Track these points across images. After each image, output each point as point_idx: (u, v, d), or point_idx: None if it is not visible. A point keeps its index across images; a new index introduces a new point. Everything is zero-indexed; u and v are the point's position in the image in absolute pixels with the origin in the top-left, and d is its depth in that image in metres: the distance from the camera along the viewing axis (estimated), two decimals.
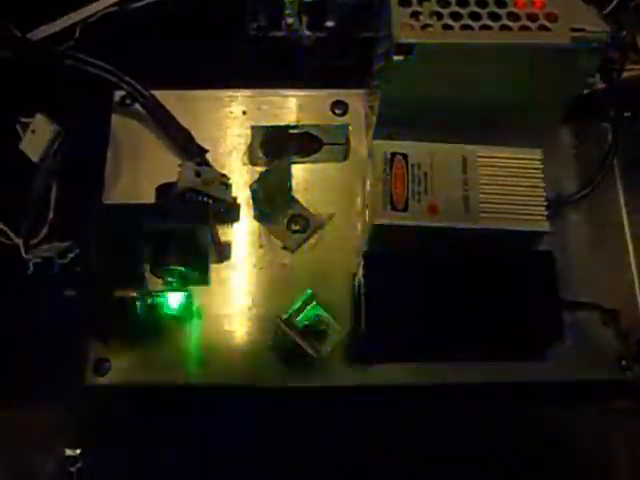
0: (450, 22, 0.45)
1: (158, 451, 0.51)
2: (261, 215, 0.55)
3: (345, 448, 0.51)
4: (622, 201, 0.57)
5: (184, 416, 0.51)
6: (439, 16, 0.46)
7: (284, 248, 0.55)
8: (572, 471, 0.52)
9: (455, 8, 0.46)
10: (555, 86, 0.49)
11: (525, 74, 0.48)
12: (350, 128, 0.56)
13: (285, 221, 0.55)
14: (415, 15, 0.46)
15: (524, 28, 0.46)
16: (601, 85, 0.57)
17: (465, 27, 0.45)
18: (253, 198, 0.53)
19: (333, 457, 0.51)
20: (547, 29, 0.45)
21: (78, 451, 0.51)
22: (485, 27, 0.45)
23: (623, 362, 0.52)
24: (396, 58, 0.46)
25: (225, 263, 0.54)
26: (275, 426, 0.51)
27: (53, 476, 0.50)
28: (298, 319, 0.50)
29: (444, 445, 0.52)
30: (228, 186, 0.54)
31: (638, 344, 0.52)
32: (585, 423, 0.52)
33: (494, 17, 0.46)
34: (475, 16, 0.46)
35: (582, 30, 0.45)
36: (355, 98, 0.59)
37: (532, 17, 0.46)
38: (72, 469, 0.50)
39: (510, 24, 0.46)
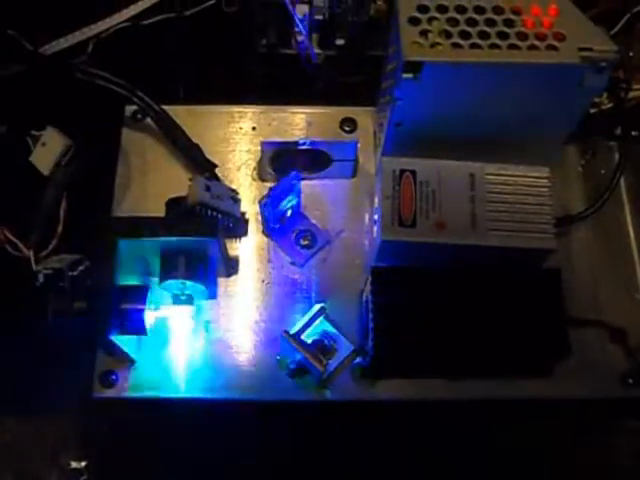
0: (459, 41, 0.46)
1: (162, 464, 0.51)
2: (270, 230, 0.55)
3: (350, 463, 0.51)
4: (629, 219, 0.57)
5: (189, 430, 0.51)
6: (448, 35, 0.46)
7: (292, 263, 0.55)
8: None
9: (464, 27, 0.46)
10: (562, 105, 0.49)
11: (533, 93, 0.48)
12: (359, 145, 0.56)
13: (293, 236, 0.55)
14: (424, 34, 0.46)
15: (532, 47, 0.46)
16: (608, 104, 0.57)
17: (474, 46, 0.46)
18: (262, 213, 0.54)
19: (338, 472, 0.51)
20: (555, 48, 0.46)
21: (83, 464, 0.51)
22: (494, 46, 0.46)
23: (630, 380, 0.52)
24: (405, 76, 0.46)
25: (233, 278, 0.55)
26: (280, 440, 0.51)
27: None
28: (306, 334, 0.51)
29: (446, 460, 0.51)
30: (237, 201, 0.54)
31: None
32: (589, 441, 0.52)
33: (503, 36, 0.46)
34: (484, 35, 0.46)
35: (590, 49, 0.45)
36: (364, 115, 0.60)
37: (540, 37, 0.46)
38: None
39: (519, 43, 0.46)
